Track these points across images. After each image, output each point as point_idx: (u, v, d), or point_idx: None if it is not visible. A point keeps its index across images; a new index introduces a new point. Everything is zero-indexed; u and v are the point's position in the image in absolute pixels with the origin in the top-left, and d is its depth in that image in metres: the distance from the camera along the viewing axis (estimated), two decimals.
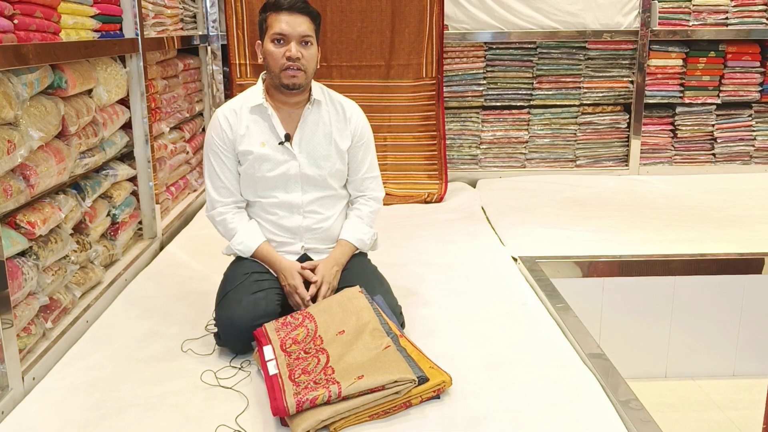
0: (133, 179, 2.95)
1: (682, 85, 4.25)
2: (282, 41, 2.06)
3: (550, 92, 4.25)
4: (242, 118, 2.15)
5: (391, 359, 1.72)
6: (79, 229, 2.44)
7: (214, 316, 2.14)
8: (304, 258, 2.22)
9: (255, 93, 2.17)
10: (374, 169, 2.30)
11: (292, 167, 2.15)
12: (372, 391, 1.63)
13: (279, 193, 2.17)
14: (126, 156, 2.93)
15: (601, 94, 4.28)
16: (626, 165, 4.34)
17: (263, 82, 2.18)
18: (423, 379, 1.69)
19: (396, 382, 1.64)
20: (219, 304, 2.09)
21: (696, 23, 4.12)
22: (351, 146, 2.22)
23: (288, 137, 2.14)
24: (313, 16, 2.10)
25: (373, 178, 2.30)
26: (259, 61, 2.15)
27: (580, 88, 4.26)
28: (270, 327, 1.94)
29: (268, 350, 1.84)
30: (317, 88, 2.20)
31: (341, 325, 1.89)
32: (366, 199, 2.29)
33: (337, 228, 2.25)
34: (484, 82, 4.22)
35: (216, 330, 2.08)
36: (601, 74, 4.25)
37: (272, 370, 1.76)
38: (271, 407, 1.64)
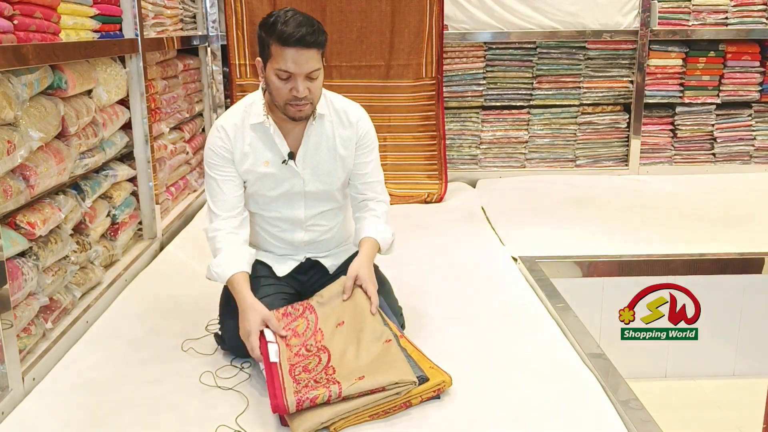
0: (133, 179, 2.95)
1: (681, 84, 4.25)
2: (288, 78, 1.92)
3: (550, 92, 4.25)
4: (245, 135, 2.04)
5: (392, 359, 1.72)
6: (79, 229, 2.43)
7: (218, 321, 2.09)
8: (306, 262, 2.20)
9: (256, 107, 2.05)
10: (379, 173, 2.23)
11: (296, 185, 2.09)
12: (372, 392, 1.63)
13: (282, 208, 2.12)
14: (126, 156, 2.93)
15: (600, 94, 4.28)
16: (626, 165, 4.34)
17: (263, 94, 2.04)
18: (423, 379, 1.69)
19: (396, 383, 1.64)
20: (224, 311, 2.04)
21: (696, 23, 4.12)
22: (356, 149, 2.13)
23: (291, 155, 2.05)
24: (322, 46, 1.95)
25: (378, 182, 2.23)
26: (260, 80, 2.03)
27: (579, 88, 4.25)
28: None
29: (269, 332, 1.84)
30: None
31: (340, 316, 1.90)
32: (376, 203, 2.22)
33: (339, 235, 2.23)
34: (484, 82, 4.22)
35: (216, 331, 2.08)
36: (600, 74, 4.25)
37: (273, 356, 1.76)
38: (270, 404, 1.64)
